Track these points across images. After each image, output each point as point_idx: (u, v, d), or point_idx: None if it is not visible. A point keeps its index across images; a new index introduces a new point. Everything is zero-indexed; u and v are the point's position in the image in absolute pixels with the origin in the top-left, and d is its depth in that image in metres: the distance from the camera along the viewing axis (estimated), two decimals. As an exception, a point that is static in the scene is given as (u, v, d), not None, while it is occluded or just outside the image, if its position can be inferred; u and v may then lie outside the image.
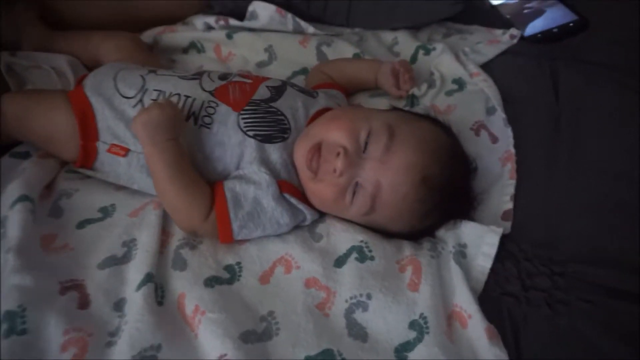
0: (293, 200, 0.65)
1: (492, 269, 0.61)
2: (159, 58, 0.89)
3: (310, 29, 0.92)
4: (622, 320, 0.55)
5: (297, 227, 0.67)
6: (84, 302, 0.58)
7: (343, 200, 0.64)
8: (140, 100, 0.68)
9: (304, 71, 0.91)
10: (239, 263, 0.63)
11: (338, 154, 0.61)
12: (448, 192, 0.63)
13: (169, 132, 0.62)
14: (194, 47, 0.94)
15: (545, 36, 0.92)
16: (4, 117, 0.68)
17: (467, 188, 0.69)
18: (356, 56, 0.90)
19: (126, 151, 0.67)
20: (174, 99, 0.67)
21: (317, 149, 0.64)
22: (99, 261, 0.62)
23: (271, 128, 0.67)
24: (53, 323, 0.54)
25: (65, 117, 0.68)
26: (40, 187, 0.67)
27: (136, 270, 0.60)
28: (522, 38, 0.92)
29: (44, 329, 0.54)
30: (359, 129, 0.63)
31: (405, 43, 0.94)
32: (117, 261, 0.62)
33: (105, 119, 0.68)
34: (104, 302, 0.58)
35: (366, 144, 0.63)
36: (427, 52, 0.91)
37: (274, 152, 0.66)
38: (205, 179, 0.66)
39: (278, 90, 0.71)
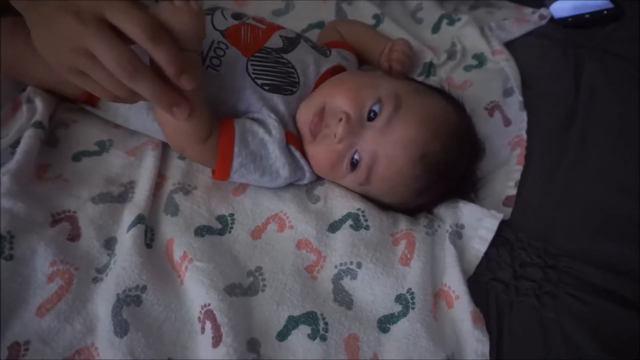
0: (297, 154, 0.63)
1: (486, 254, 0.61)
2: None
3: (333, -18, 0.88)
4: (606, 321, 0.55)
5: (294, 186, 0.66)
6: (74, 235, 0.58)
7: (340, 168, 0.62)
8: None
9: (320, 25, 0.87)
10: (232, 215, 0.62)
11: (340, 120, 0.60)
12: (447, 172, 0.62)
13: None
14: (211, -17, 0.90)
15: (576, 21, 0.88)
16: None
17: (469, 171, 0.67)
18: (376, 18, 0.87)
19: None
20: None
21: (321, 112, 0.62)
22: (94, 195, 0.61)
23: (280, 79, 0.64)
24: (41, 252, 0.54)
25: None
26: (48, 117, 0.65)
27: (130, 212, 0.59)
28: (551, 20, 0.89)
29: (31, 258, 0.54)
30: (365, 97, 0.61)
31: (429, 10, 0.90)
32: (113, 199, 0.61)
33: None
34: (94, 236, 0.58)
35: (372, 112, 0.61)
36: (452, 22, 0.88)
37: (281, 103, 0.64)
38: None
39: (291, 42, 0.68)
